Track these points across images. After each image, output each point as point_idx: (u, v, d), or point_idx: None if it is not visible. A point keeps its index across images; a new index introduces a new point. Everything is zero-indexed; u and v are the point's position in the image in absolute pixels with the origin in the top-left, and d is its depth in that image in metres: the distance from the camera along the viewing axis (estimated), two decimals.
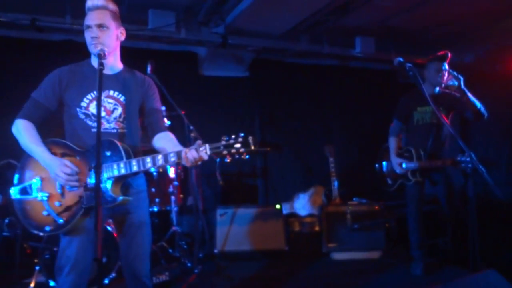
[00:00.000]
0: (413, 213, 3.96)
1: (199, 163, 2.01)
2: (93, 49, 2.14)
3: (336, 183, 5.12)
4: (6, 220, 4.45)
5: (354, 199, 5.23)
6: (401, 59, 2.86)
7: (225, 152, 1.98)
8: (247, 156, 2.00)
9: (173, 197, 4.33)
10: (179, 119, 3.77)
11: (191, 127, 3.76)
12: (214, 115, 5.65)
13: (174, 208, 4.36)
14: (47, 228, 2.12)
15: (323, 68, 6.47)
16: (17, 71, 5.00)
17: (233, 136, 1.99)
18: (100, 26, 2.14)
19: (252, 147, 2.00)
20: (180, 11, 4.95)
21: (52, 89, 2.19)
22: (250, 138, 2.00)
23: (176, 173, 4.36)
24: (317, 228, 5.43)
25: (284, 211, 5.16)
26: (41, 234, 2.17)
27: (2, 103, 4.85)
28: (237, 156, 1.99)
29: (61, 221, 2.10)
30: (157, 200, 4.22)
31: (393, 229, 5.03)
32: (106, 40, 2.16)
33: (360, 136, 6.63)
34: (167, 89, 3.49)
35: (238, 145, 1.97)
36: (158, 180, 4.26)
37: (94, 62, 2.26)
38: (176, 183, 4.33)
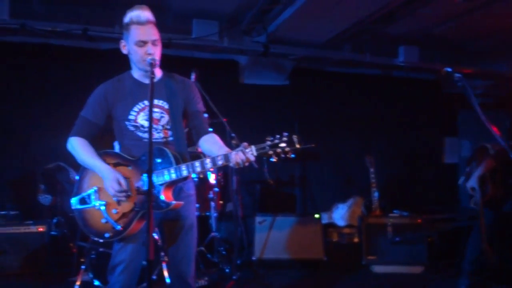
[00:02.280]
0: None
1: (246, 164, 2.02)
2: (146, 65, 2.15)
3: (376, 194, 5.02)
4: (54, 220, 4.66)
5: (394, 211, 5.10)
6: (450, 69, 2.78)
7: (270, 152, 1.99)
8: (292, 155, 1.99)
9: (212, 203, 4.39)
10: (221, 126, 3.83)
11: (233, 135, 3.80)
12: (254, 122, 5.69)
13: (214, 214, 4.41)
14: (107, 235, 2.19)
15: (365, 77, 6.40)
16: (69, 78, 5.26)
17: (278, 136, 2.00)
18: (154, 42, 2.19)
19: (297, 145, 1.99)
20: (223, 21, 5.05)
21: (99, 106, 2.26)
22: (295, 137, 2.00)
23: (217, 179, 4.42)
24: (356, 240, 5.34)
25: (322, 221, 5.11)
26: (101, 241, 2.25)
27: (55, 108, 5.11)
28: (283, 156, 1.99)
29: (118, 227, 2.17)
30: (197, 205, 4.28)
31: (436, 244, 4.86)
32: (158, 54, 2.21)
33: (402, 147, 6.50)
34: (209, 97, 3.56)
35: (283, 144, 1.98)
36: (198, 186, 4.32)
37: (136, 73, 2.30)
38: (216, 189, 4.38)
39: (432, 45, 5.70)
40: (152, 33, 2.18)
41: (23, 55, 5.09)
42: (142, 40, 2.16)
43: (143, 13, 2.18)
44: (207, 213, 4.40)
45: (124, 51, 2.27)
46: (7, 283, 3.96)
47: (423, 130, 6.63)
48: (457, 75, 2.72)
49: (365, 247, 4.54)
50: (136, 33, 2.17)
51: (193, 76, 3.82)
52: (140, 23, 2.17)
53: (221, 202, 4.58)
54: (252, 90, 5.95)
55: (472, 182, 3.63)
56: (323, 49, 5.57)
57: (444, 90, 6.64)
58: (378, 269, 4.48)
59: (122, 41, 2.25)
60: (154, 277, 3.55)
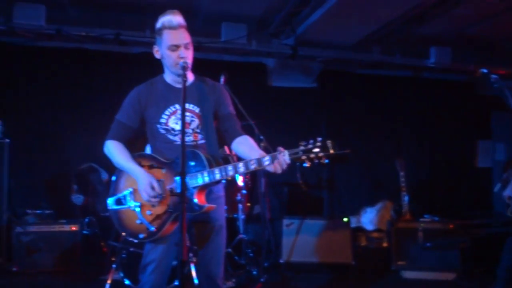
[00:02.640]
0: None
1: (284, 167, 2.01)
2: (179, 69, 2.17)
3: (406, 198, 4.92)
4: (86, 219, 4.79)
5: (425, 216, 5.00)
6: (486, 70, 2.70)
7: (304, 157, 1.97)
8: (326, 161, 1.97)
9: (240, 205, 4.41)
10: (250, 129, 3.84)
11: (261, 137, 3.81)
12: (281, 125, 5.68)
13: (241, 216, 4.43)
14: (141, 236, 2.24)
15: (395, 79, 6.29)
16: (101, 81, 5.40)
17: (311, 141, 1.97)
18: (186, 45, 2.22)
19: (331, 151, 1.96)
20: (251, 24, 5.07)
21: (133, 109, 2.31)
22: (329, 142, 1.97)
23: (244, 181, 4.43)
24: (385, 244, 5.25)
25: (351, 225, 5.05)
26: (136, 241, 2.29)
27: (87, 111, 5.26)
28: (316, 161, 1.97)
29: (152, 228, 2.21)
30: (224, 207, 4.31)
31: (469, 250, 4.72)
32: (190, 57, 2.25)
33: (433, 150, 6.35)
34: (237, 100, 3.58)
35: (317, 150, 1.96)
36: (226, 188, 4.33)
37: (168, 77, 2.35)
38: (244, 191, 4.40)
39: (465, 46, 5.55)
40: (184, 37, 2.22)
41: (57, 60, 5.26)
42: (174, 44, 2.20)
43: (175, 18, 2.21)
44: (235, 215, 4.42)
45: (157, 56, 2.30)
46: (41, 280, 4.09)
47: (455, 132, 6.45)
48: (493, 76, 2.63)
49: (395, 252, 4.46)
50: (169, 37, 2.20)
51: (222, 79, 3.85)
52: (172, 27, 2.20)
53: (248, 204, 4.59)
54: (280, 93, 5.94)
55: (509, 191, 3.51)
56: (352, 51, 5.51)
57: (477, 91, 6.46)
58: (408, 275, 4.39)
59: (155, 46, 2.29)
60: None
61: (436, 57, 5.58)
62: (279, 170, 2.02)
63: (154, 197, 2.18)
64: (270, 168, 2.03)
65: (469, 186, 6.39)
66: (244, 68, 5.74)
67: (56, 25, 4.63)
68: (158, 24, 2.25)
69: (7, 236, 4.40)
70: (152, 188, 2.18)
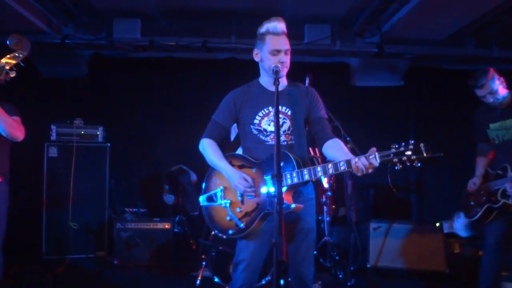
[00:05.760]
0: (489, 248, 3.28)
1: (370, 171, 2.01)
2: (280, 73, 2.28)
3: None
4: (177, 218, 5.06)
5: None
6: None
7: (395, 160, 1.95)
8: (418, 164, 1.93)
9: (325, 207, 4.37)
10: (336, 130, 3.80)
11: (348, 138, 3.76)
12: (367, 125, 5.54)
13: (326, 218, 4.39)
14: (230, 232, 2.36)
15: None
16: (189, 87, 5.69)
17: (403, 143, 1.95)
18: (286, 51, 2.33)
19: (425, 154, 1.92)
20: (335, 23, 5.01)
21: (228, 111, 2.45)
22: (422, 145, 1.93)
23: (329, 183, 4.39)
24: (481, 253, 4.87)
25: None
26: (224, 237, 2.40)
27: (177, 116, 5.58)
28: (408, 164, 1.94)
29: (241, 225, 2.32)
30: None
31: None
32: (288, 63, 2.36)
33: None
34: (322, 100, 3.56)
35: (409, 153, 1.93)
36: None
37: (263, 81, 2.46)
38: (329, 193, 4.36)
39: None
40: (285, 43, 2.33)
41: (150, 69, 5.65)
42: (276, 49, 2.31)
43: (279, 25, 2.33)
44: (320, 217, 4.40)
45: (257, 58, 2.42)
46: (140, 273, 4.41)
47: None
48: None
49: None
50: (272, 42, 2.32)
51: (307, 81, 3.86)
52: (276, 33, 2.32)
53: (333, 206, 4.54)
54: (365, 93, 5.80)
55: None
56: (442, 46, 5.19)
57: None
58: (511, 287, 4.03)
59: (255, 49, 2.41)
60: (269, 277, 3.65)
61: None
62: (362, 171, 2.01)
63: (250, 187, 2.27)
64: (354, 170, 2.03)
65: None
66: (327, 69, 5.68)
67: (149, 36, 4.97)
68: (262, 29, 2.36)
69: (109, 231, 4.82)
70: (245, 180, 2.27)
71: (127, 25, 4.90)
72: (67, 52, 5.19)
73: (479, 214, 3.34)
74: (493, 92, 3.21)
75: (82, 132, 4.96)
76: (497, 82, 3.22)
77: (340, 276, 4.11)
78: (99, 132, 5.02)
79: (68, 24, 5.06)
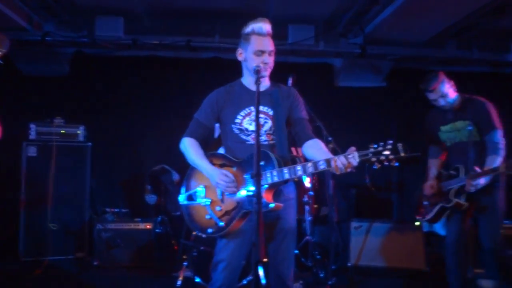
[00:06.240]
0: (450, 249, 3.34)
1: (348, 170, 2.04)
2: (263, 72, 2.31)
3: None
4: (159, 219, 5.03)
5: (505, 222, 4.64)
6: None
7: (373, 159, 2.00)
8: (396, 163, 1.99)
9: (307, 207, 4.39)
10: (318, 130, 3.82)
11: (330, 138, 3.78)
12: (350, 125, 5.59)
13: (308, 218, 4.40)
14: (209, 230, 2.35)
15: (472, 75, 5.91)
16: (172, 87, 5.66)
17: (382, 143, 2.00)
18: (270, 52, 2.35)
19: (402, 154, 1.97)
20: (319, 24, 5.04)
21: (211, 110, 2.45)
22: (400, 145, 1.98)
23: (311, 183, 4.41)
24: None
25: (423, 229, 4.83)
26: (204, 236, 2.39)
27: (159, 116, 5.54)
28: (386, 163, 1.99)
29: (221, 224, 2.31)
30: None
31: None
32: (272, 64, 2.37)
33: None
34: (305, 101, 3.57)
35: (387, 152, 1.98)
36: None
37: (245, 81, 2.48)
38: (311, 193, 4.38)
39: None
40: (270, 44, 2.35)
41: (133, 68, 5.60)
42: (261, 49, 2.32)
43: (265, 26, 2.35)
44: (301, 217, 4.41)
45: (240, 58, 2.43)
46: (120, 274, 4.36)
47: None
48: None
49: (472, 259, 4.18)
50: (256, 43, 2.33)
51: (290, 81, 3.86)
52: (261, 34, 2.34)
53: (315, 206, 4.56)
54: (348, 93, 5.85)
55: None
56: (425, 48, 5.28)
57: None
58: (487, 284, 4.09)
59: (239, 49, 2.41)
60: (250, 277, 3.65)
61: None
62: (341, 170, 2.05)
63: (231, 182, 2.27)
64: (333, 169, 2.06)
65: None
66: (310, 69, 5.71)
67: (132, 35, 4.93)
68: (248, 29, 2.37)
69: (89, 232, 4.75)
70: (226, 176, 2.27)
71: (109, 23, 4.85)
72: (48, 49, 5.12)
73: (432, 214, 3.41)
74: (444, 95, 3.28)
75: (63, 131, 4.88)
76: (447, 85, 3.29)
77: (321, 275, 4.13)
78: (80, 131, 4.94)
79: (49, 21, 4.98)
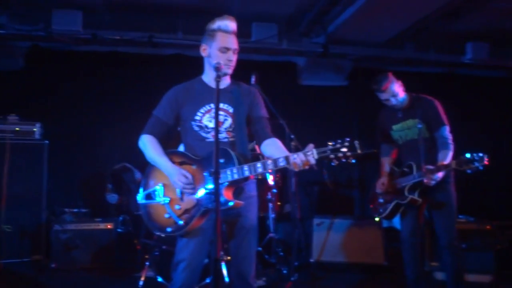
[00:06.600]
0: (406, 244, 3.47)
1: (306, 167, 2.08)
2: (226, 69, 2.32)
3: None
4: (120, 218, 4.92)
5: (460, 216, 4.85)
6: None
7: (332, 156, 2.04)
8: (353, 160, 2.04)
9: (270, 204, 4.42)
10: (280, 128, 3.85)
11: (292, 136, 3.81)
12: (312, 124, 5.65)
13: (271, 215, 4.44)
14: (168, 229, 2.31)
15: (429, 76, 6.13)
16: (134, 83, 5.53)
17: (339, 141, 2.05)
18: (234, 50, 2.35)
19: (359, 151, 2.03)
20: (282, 23, 5.07)
21: (170, 106, 2.42)
22: (357, 142, 2.04)
23: (275, 180, 4.44)
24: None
25: (382, 225, 4.97)
26: (163, 235, 2.36)
27: (121, 112, 5.40)
28: (343, 160, 2.05)
29: (180, 222, 2.28)
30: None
31: (506, 252, 4.56)
32: (235, 62, 2.38)
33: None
34: (267, 99, 3.59)
35: (344, 149, 2.03)
36: (257, 187, 4.37)
37: (206, 78, 2.46)
38: (274, 190, 4.41)
39: (504, 41, 5.35)
40: (234, 43, 2.35)
41: (93, 63, 5.43)
42: (226, 47, 2.31)
43: (231, 24, 2.34)
44: (265, 214, 4.44)
45: (204, 54, 2.41)
46: (79, 276, 4.24)
47: (494, 130, 6.23)
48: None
49: (428, 253, 4.35)
50: (222, 39, 2.32)
51: (253, 79, 3.87)
52: (227, 31, 2.33)
53: (279, 203, 4.60)
54: (311, 91, 5.92)
55: None
56: (384, 48, 5.43)
57: None
58: (442, 276, 4.27)
59: (203, 45, 2.39)
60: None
61: (472, 53, 5.41)
62: (299, 167, 2.08)
63: (189, 184, 2.25)
64: (292, 166, 2.09)
65: (508, 186, 6.15)
66: (274, 67, 5.74)
67: (92, 30, 4.79)
68: (214, 26, 2.35)
69: (46, 234, 4.59)
70: (185, 176, 2.25)
71: (67, 17, 4.67)
72: (1, 43, 4.88)
73: (387, 211, 3.49)
74: (395, 95, 3.39)
75: (17, 129, 4.68)
76: (396, 85, 3.40)
77: (284, 271, 4.17)
78: (36, 128, 4.76)
79: (3, 14, 4.75)
